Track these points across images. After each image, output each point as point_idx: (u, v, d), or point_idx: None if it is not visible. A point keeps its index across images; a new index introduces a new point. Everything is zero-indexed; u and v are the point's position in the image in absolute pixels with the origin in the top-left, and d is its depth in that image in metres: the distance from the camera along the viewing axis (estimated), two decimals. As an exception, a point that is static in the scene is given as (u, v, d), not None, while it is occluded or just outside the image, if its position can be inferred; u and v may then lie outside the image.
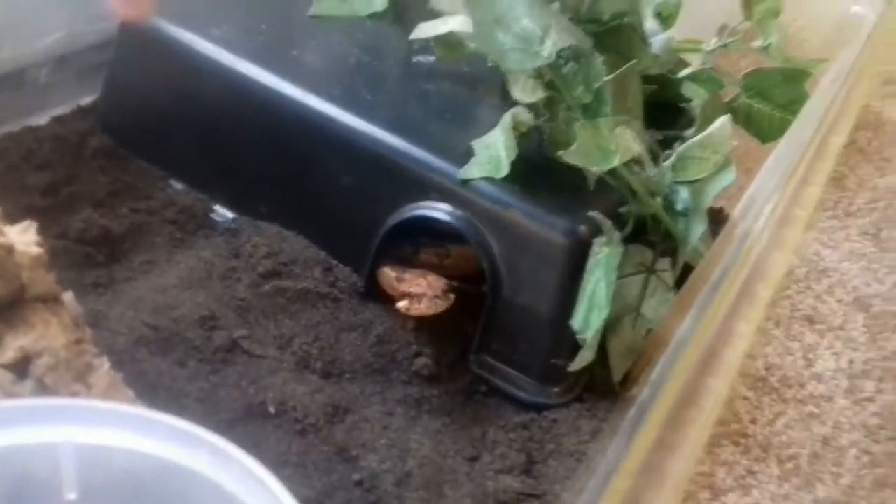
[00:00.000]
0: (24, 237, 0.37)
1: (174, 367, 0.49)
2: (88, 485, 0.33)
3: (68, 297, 0.39)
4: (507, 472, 0.47)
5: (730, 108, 0.63)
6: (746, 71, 0.62)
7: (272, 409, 0.48)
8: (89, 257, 0.55)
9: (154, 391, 0.46)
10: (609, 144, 0.46)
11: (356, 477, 0.46)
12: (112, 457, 0.32)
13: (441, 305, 0.53)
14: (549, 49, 0.47)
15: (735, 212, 0.65)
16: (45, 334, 0.37)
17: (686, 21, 0.66)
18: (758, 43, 0.62)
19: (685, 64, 0.65)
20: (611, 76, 0.48)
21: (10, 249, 0.36)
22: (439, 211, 0.52)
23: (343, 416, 0.49)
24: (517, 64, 0.48)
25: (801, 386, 0.65)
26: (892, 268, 0.80)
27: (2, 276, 0.36)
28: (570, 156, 0.46)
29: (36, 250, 0.37)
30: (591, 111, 0.48)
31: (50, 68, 0.71)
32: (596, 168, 0.46)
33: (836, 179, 0.92)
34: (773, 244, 0.79)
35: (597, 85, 0.47)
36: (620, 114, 0.48)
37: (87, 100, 0.69)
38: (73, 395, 0.37)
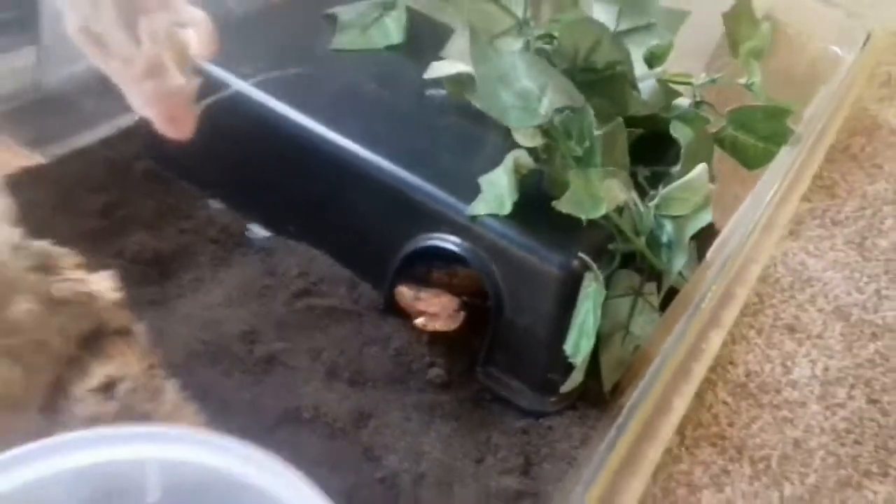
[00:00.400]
0: (104, 283, 0.45)
1: (222, 378, 0.57)
2: (166, 491, 0.40)
3: (139, 328, 0.47)
4: (507, 473, 0.55)
5: (717, 139, 0.69)
6: (731, 108, 0.68)
7: (307, 414, 0.56)
8: (144, 276, 0.62)
9: (206, 399, 0.54)
10: (598, 193, 0.52)
11: (379, 475, 0.54)
12: (185, 469, 0.40)
13: (454, 323, 0.60)
14: (545, 108, 0.53)
15: (723, 231, 0.71)
16: (124, 362, 0.44)
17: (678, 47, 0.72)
18: (742, 80, 0.68)
19: (676, 94, 0.71)
20: (600, 132, 0.54)
21: (91, 295, 0.43)
22: (450, 242, 0.59)
23: (367, 421, 0.57)
24: (517, 122, 0.54)
25: (778, 392, 0.72)
26: (873, 276, 0.85)
27: (87, 317, 0.44)
28: (564, 205, 0.52)
29: (114, 295, 0.45)
30: (583, 161, 0.54)
31: (93, 90, 0.77)
32: (586, 216, 0.52)
33: (828, 187, 0.97)
34: (760, 256, 0.85)
35: (588, 139, 0.54)
36: (609, 164, 0.54)
37: (126, 121, 0.76)
38: (148, 412, 0.44)
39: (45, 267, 0.43)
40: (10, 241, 0.42)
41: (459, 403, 0.60)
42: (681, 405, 0.56)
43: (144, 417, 0.45)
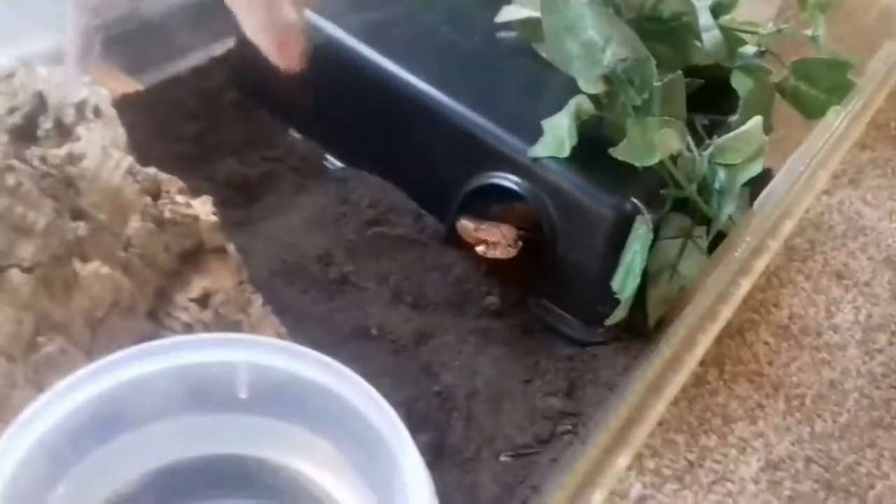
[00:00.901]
0: (204, 208, 0.51)
1: (300, 295, 0.63)
2: (254, 391, 0.47)
3: (231, 248, 0.53)
4: (552, 394, 0.60)
5: (778, 89, 0.71)
6: (795, 59, 0.69)
7: (374, 332, 0.62)
8: (232, 200, 0.68)
9: (285, 313, 0.60)
10: (653, 141, 0.56)
11: (436, 388, 0.60)
12: (269, 373, 0.47)
13: (512, 252, 0.65)
14: (608, 59, 0.56)
15: (776, 177, 0.73)
16: (219, 278, 0.51)
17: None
18: (808, 32, 0.69)
19: (742, 42, 0.72)
20: (660, 82, 0.57)
21: (195, 218, 0.50)
22: (510, 181, 0.63)
23: (427, 341, 0.63)
24: (580, 72, 0.58)
25: (819, 335, 0.75)
26: (929, 229, 0.86)
27: (189, 236, 0.50)
28: (620, 152, 0.56)
29: (213, 218, 0.51)
30: (641, 110, 0.57)
31: (186, 20, 0.82)
32: (640, 163, 0.56)
33: (893, 137, 0.97)
34: (811, 202, 0.86)
35: (648, 90, 0.56)
36: (666, 114, 0.57)
37: (217, 51, 0.81)
38: (238, 322, 0.51)
39: (154, 191, 0.49)
40: (124, 167, 0.48)
41: (511, 330, 0.65)
42: (706, 340, 0.59)
43: (234, 326, 0.52)
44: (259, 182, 0.71)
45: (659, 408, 0.48)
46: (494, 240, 0.65)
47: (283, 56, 0.41)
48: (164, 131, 0.72)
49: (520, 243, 0.65)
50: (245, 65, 0.78)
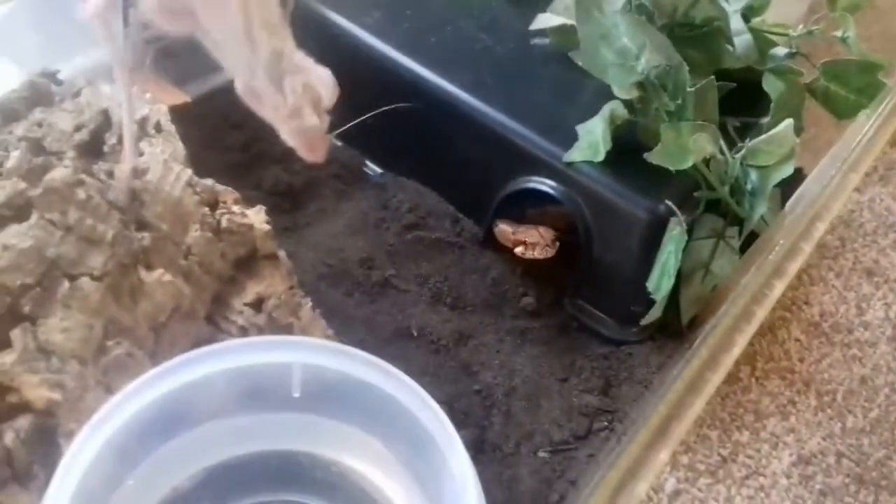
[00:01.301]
0: (258, 217, 0.54)
1: (344, 298, 0.65)
2: (306, 390, 0.50)
3: (282, 254, 0.56)
4: (589, 392, 0.63)
5: (809, 89, 0.72)
6: (825, 60, 0.70)
7: (415, 332, 0.65)
8: (278, 206, 0.71)
9: (332, 316, 0.63)
10: (687, 145, 0.57)
11: (476, 387, 0.62)
12: (322, 373, 0.49)
13: (550, 252, 0.67)
14: (643, 66, 0.58)
15: (808, 178, 0.74)
16: (272, 283, 0.53)
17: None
18: (838, 33, 0.70)
19: (772, 44, 0.73)
20: (693, 88, 0.58)
21: (250, 227, 0.52)
22: (546, 185, 0.65)
23: (466, 341, 0.65)
24: (615, 79, 0.59)
25: (850, 332, 0.77)
26: (959, 224, 0.87)
27: (244, 244, 0.53)
28: (654, 157, 0.58)
29: (266, 227, 0.53)
30: (675, 115, 0.59)
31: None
32: (674, 167, 0.58)
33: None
34: (842, 201, 0.87)
35: (681, 95, 0.58)
36: (699, 118, 0.59)
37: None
38: (289, 325, 0.54)
39: (212, 202, 0.52)
40: (184, 180, 0.51)
41: (548, 330, 0.67)
42: (742, 340, 0.61)
43: (286, 329, 0.54)
44: (303, 189, 0.73)
45: (697, 405, 0.50)
46: (533, 240, 0.67)
47: (312, 155, 0.48)
48: (212, 141, 0.75)
49: (557, 244, 0.67)
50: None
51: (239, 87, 0.45)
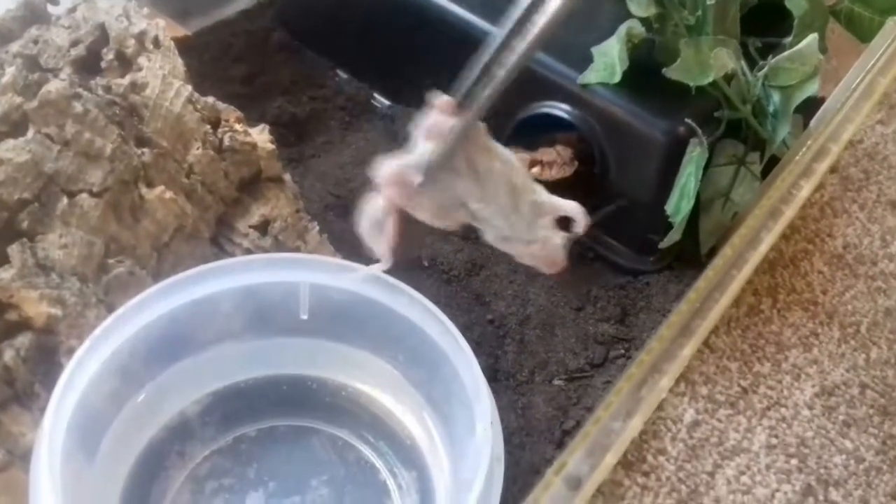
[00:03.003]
0: (261, 136, 0.52)
1: (352, 228, 0.64)
2: (315, 312, 0.48)
3: (287, 177, 0.54)
4: (605, 321, 0.61)
5: (832, 11, 0.69)
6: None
7: (426, 263, 0.63)
8: (283, 137, 0.69)
9: (340, 244, 0.61)
10: (707, 61, 0.55)
11: (489, 317, 0.61)
12: (331, 293, 0.48)
13: (567, 171, 0.63)
14: (661, -22, 0.55)
15: (826, 102, 0.72)
16: (277, 205, 0.52)
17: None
18: (865, -49, 0.67)
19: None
20: (713, 1, 0.56)
21: (254, 145, 0.51)
22: (561, 109, 0.63)
23: (479, 271, 0.64)
24: (633, -7, 0.57)
25: (874, 263, 0.74)
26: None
27: (248, 164, 0.51)
28: (673, 72, 0.55)
29: (270, 146, 0.52)
30: (694, 30, 0.57)
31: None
32: (694, 82, 0.55)
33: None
34: (871, 132, 0.84)
35: (700, 8, 0.56)
36: (720, 34, 0.56)
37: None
38: (296, 249, 0.52)
39: (214, 120, 0.50)
40: (184, 96, 0.49)
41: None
42: (754, 261, 0.58)
43: (293, 253, 0.53)
44: (308, 121, 0.71)
45: (704, 327, 0.49)
46: (550, 159, 0.64)
47: (552, 268, 0.50)
48: (213, 74, 0.73)
49: (575, 163, 0.64)
50: (291, 6, 0.79)
51: (490, 240, 0.48)
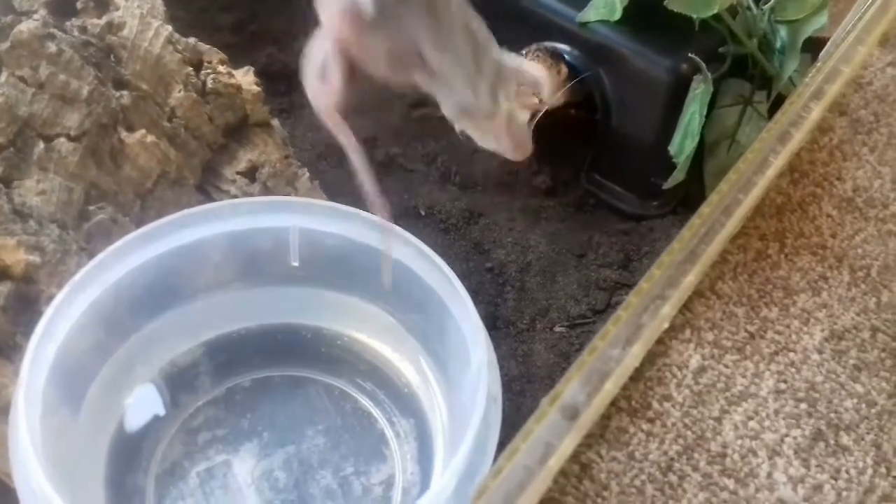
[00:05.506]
0: (245, 78, 0.50)
1: (347, 176, 0.62)
2: (305, 259, 0.47)
3: (275, 122, 0.52)
4: (607, 266, 0.59)
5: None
6: None
7: (422, 212, 0.61)
8: (274, 87, 0.67)
9: (333, 193, 0.59)
10: (711, -8, 0.52)
11: (488, 265, 0.59)
12: (323, 238, 0.46)
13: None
14: None
15: (832, 37, 0.69)
16: (265, 151, 0.50)
17: None
18: None
19: None
20: (718, -72, 0.53)
21: (238, 88, 0.49)
22: (559, 50, 0.60)
23: (477, 219, 0.62)
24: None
25: (885, 206, 0.72)
26: None
27: (232, 108, 0.49)
28: (675, 3, 0.53)
29: (255, 89, 0.50)
30: (698, -40, 0.54)
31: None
32: (698, 14, 0.53)
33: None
34: (881, 73, 0.82)
35: (705, -64, 0.53)
36: (725, -37, 0.54)
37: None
38: (286, 195, 0.50)
39: (196, 61, 0.48)
40: (164, 36, 0.47)
41: (563, 208, 0.64)
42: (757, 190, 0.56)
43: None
44: (299, 70, 0.69)
45: (708, 253, 0.47)
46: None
47: (519, 152, 0.48)
48: (200, 23, 0.71)
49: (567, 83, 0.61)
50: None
51: (448, 113, 0.45)
